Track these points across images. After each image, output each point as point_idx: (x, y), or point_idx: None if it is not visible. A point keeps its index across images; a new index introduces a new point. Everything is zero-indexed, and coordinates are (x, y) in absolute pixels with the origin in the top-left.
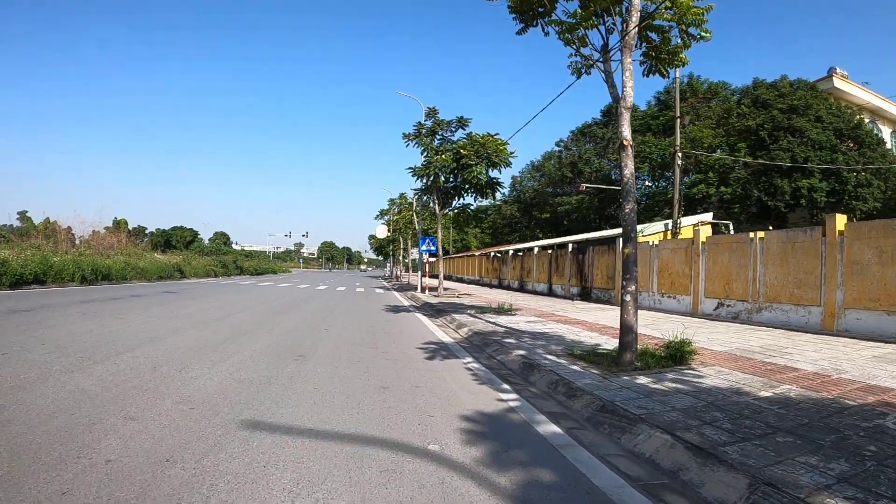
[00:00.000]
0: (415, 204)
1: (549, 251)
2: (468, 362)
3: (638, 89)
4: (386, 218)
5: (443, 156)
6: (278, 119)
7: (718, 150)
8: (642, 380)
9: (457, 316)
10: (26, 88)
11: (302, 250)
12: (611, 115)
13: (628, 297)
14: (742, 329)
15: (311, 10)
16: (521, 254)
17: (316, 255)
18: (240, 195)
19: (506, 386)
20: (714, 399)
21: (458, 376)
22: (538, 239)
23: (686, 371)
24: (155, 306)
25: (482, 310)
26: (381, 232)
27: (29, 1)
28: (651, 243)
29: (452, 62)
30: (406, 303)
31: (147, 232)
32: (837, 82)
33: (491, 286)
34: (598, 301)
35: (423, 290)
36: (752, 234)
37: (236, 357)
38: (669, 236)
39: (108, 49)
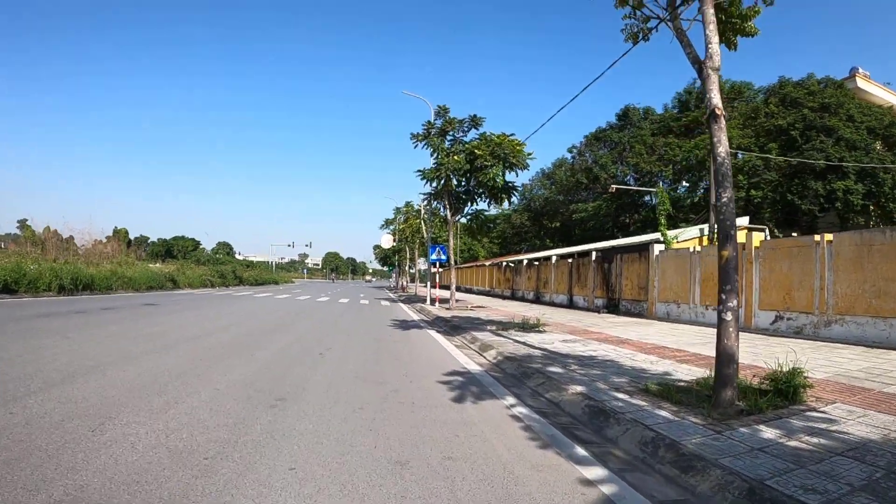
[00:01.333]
0: (423, 211)
1: (570, 260)
2: (511, 405)
3: (655, 90)
4: (391, 227)
5: (455, 157)
6: (283, 130)
7: (738, 154)
8: (767, 432)
9: (478, 334)
10: (30, 97)
11: (306, 261)
12: (627, 118)
13: (729, 316)
14: (816, 347)
15: (316, 15)
16: (536, 263)
17: (320, 266)
18: (244, 206)
19: (579, 449)
20: (889, 462)
21: (504, 432)
22: (548, 248)
23: (810, 414)
24: (122, 322)
25: (504, 325)
26: (387, 241)
27: (31, 10)
28: (692, 250)
29: (461, 68)
30: (416, 317)
31: (149, 242)
32: (860, 82)
33: (503, 297)
34: (628, 314)
35: (433, 302)
36: (816, 237)
37: (189, 402)
38: (706, 242)
39: (112, 58)
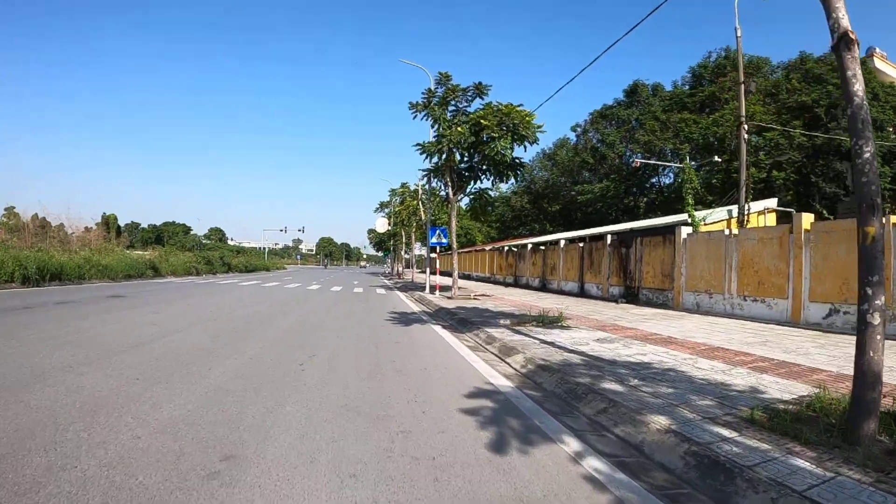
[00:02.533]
0: (420, 191)
1: (581, 244)
2: (576, 453)
3: (664, 68)
4: (386, 210)
5: (458, 128)
6: (277, 113)
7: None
8: None
9: (492, 332)
10: (21, 86)
11: (300, 247)
12: (636, 94)
13: (876, 319)
14: (889, 345)
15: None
16: (542, 248)
17: (315, 252)
18: (236, 191)
19: None
20: None
21: None
22: (549, 233)
23: None
24: (45, 325)
25: (520, 319)
26: (381, 225)
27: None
28: (727, 233)
29: (458, 51)
30: (416, 308)
31: (140, 228)
32: (878, 63)
33: (506, 284)
34: (649, 304)
35: (432, 290)
36: (883, 219)
37: (65, 478)
38: (735, 225)
39: (104, 46)
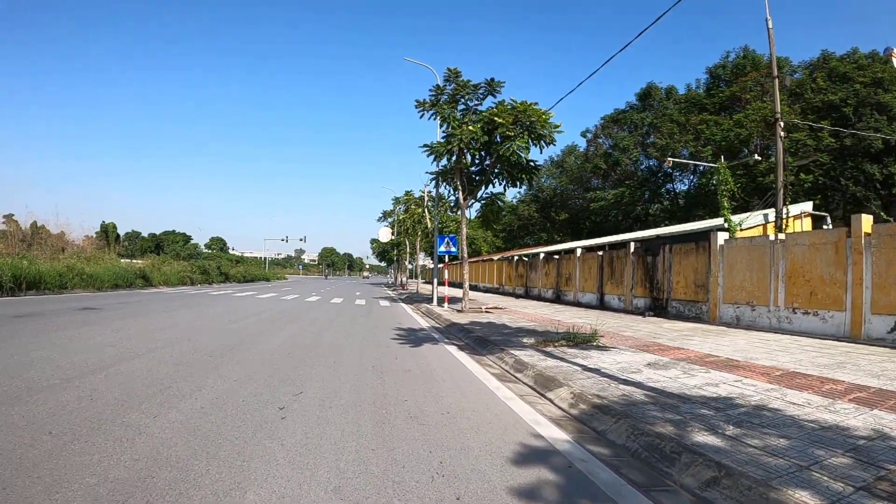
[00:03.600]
0: (426, 198)
1: (600, 253)
2: None
3: (674, 71)
4: (390, 220)
5: (470, 127)
6: (281, 124)
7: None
8: None
9: (518, 354)
10: (23, 94)
11: (303, 257)
12: (649, 98)
13: None
14: None
15: (311, 9)
16: (557, 257)
17: (317, 262)
18: (240, 201)
19: None
20: None
21: None
22: (557, 242)
23: None
24: (2, 339)
25: (546, 337)
26: (385, 235)
27: (21, 4)
28: (773, 238)
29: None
30: (424, 323)
31: (140, 237)
32: None
33: (516, 296)
34: (680, 317)
35: (440, 302)
36: None
37: None
38: (772, 230)
39: (107, 55)
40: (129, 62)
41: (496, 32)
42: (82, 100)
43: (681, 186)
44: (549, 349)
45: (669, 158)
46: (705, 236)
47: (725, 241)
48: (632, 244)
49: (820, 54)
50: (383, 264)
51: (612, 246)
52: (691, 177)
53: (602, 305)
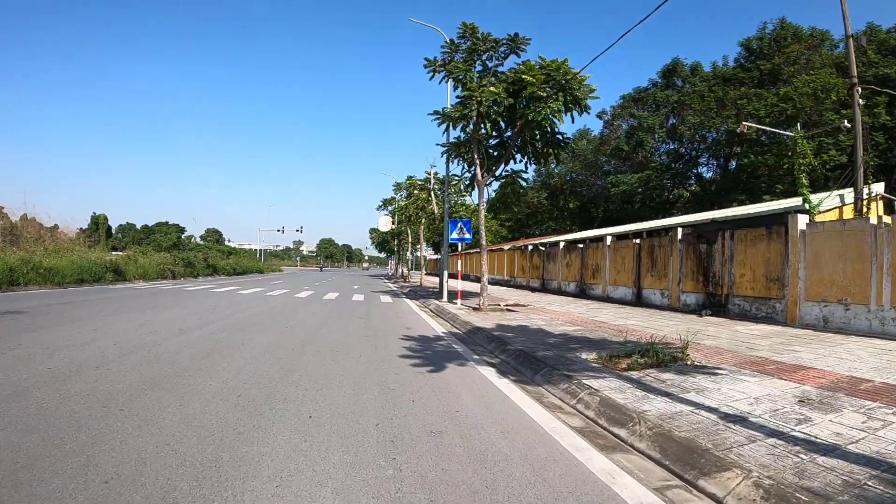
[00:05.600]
0: (432, 179)
1: (637, 241)
2: None
3: (707, 47)
4: (390, 208)
5: (491, 87)
6: (277, 113)
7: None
8: None
9: (596, 385)
10: (22, 90)
11: (301, 248)
12: (674, 74)
13: None
14: None
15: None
16: (581, 246)
17: (315, 254)
18: (237, 193)
19: None
20: None
21: None
22: (567, 231)
23: None
24: None
25: (612, 351)
26: (385, 224)
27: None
28: (873, 222)
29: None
30: (438, 328)
31: (133, 229)
32: None
33: (532, 289)
34: (745, 317)
35: (451, 298)
36: None
37: None
38: (849, 213)
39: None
40: (124, 55)
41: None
42: (79, 96)
43: (708, 173)
44: (630, 373)
45: (745, 123)
46: (778, 220)
47: (807, 225)
48: (679, 230)
49: (866, 27)
50: (383, 255)
51: (653, 233)
52: (720, 161)
53: (639, 301)
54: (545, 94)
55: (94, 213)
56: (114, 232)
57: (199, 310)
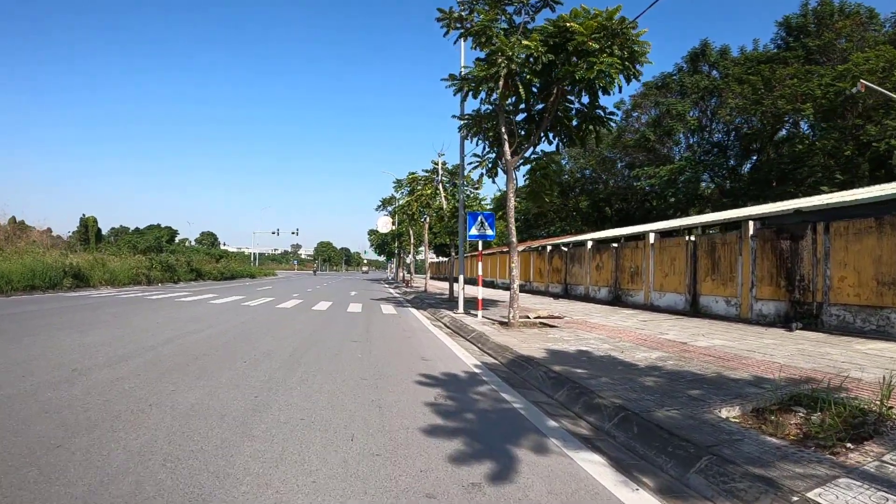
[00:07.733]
0: (439, 171)
1: (691, 238)
2: None
3: (736, 32)
4: (390, 208)
5: (524, 41)
6: (275, 115)
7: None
8: None
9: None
10: (20, 92)
11: (299, 251)
12: (702, 58)
13: None
14: None
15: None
16: (615, 245)
17: (313, 257)
18: (233, 197)
19: None
20: None
21: None
22: (580, 231)
23: None
24: None
25: (757, 402)
26: (384, 224)
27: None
28: None
29: None
30: (467, 358)
31: (125, 232)
32: None
33: (553, 296)
34: (845, 330)
35: (468, 309)
36: None
37: None
38: None
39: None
40: (123, 59)
41: None
42: (78, 98)
43: (744, 167)
44: (847, 457)
45: (862, 82)
46: (893, 207)
47: None
48: (751, 223)
49: None
50: (382, 258)
51: (710, 227)
52: (759, 146)
53: (695, 310)
54: (598, 46)
55: (83, 216)
56: (105, 235)
57: (134, 330)
